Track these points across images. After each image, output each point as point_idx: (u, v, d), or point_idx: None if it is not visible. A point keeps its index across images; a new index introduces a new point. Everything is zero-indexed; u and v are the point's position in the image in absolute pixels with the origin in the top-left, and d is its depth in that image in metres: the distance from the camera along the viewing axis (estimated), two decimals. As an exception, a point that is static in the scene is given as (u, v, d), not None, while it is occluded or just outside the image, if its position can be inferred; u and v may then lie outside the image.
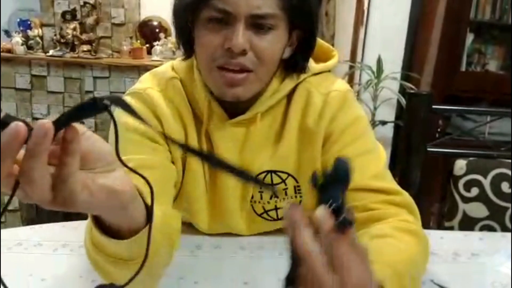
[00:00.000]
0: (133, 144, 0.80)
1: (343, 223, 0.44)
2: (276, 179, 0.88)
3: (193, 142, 0.86)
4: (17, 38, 2.55)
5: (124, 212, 0.50)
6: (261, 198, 0.90)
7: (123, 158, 0.46)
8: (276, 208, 0.92)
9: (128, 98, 0.86)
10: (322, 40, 0.94)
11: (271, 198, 0.90)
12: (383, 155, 0.88)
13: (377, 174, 0.83)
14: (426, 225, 0.82)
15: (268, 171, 0.88)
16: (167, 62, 0.93)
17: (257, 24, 0.75)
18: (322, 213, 0.44)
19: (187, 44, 0.84)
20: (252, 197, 0.90)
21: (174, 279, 0.80)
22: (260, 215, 0.92)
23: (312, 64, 0.89)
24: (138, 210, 0.53)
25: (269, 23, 0.75)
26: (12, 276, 0.79)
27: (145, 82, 0.88)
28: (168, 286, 0.74)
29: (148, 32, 2.78)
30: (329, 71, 0.92)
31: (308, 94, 0.86)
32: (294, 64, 0.85)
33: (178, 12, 0.81)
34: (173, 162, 0.85)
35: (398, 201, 0.80)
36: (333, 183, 0.45)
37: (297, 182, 0.89)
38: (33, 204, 1.58)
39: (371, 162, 0.84)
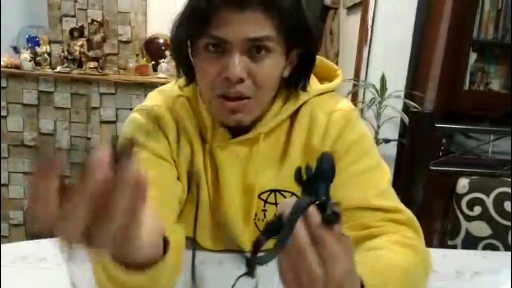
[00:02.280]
0: (144, 163, 0.81)
1: (329, 218, 0.45)
2: (280, 198, 0.89)
3: (199, 159, 0.87)
4: (26, 54, 2.59)
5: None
6: (265, 216, 0.91)
7: None
8: None
9: (135, 114, 0.87)
10: (326, 59, 0.95)
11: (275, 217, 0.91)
12: (387, 172, 0.88)
13: (380, 192, 0.83)
14: (429, 243, 0.82)
15: (272, 190, 0.89)
16: (173, 81, 0.94)
17: (254, 48, 0.75)
18: (311, 208, 0.46)
19: (187, 71, 0.85)
20: (256, 215, 0.91)
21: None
22: None
23: (317, 85, 0.90)
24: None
25: (265, 46, 0.76)
26: (17, 290, 0.80)
27: (152, 100, 0.89)
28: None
29: (154, 50, 2.82)
30: (333, 90, 0.93)
31: (312, 114, 0.87)
32: (295, 82, 0.86)
33: (176, 43, 0.82)
34: (178, 179, 0.86)
35: (399, 219, 0.80)
36: (318, 178, 0.47)
37: None
38: (37, 219, 1.59)
39: (374, 180, 0.84)
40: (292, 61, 0.83)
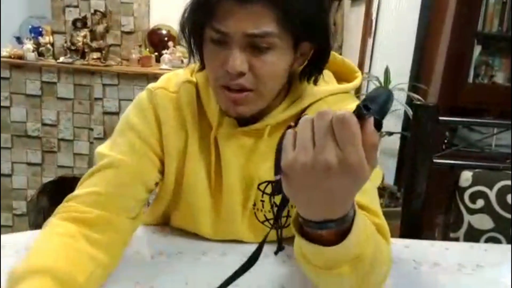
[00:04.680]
0: (127, 144, 0.85)
1: (360, 111, 0.50)
2: None
3: (194, 147, 0.88)
4: (29, 45, 2.59)
5: None
6: (263, 206, 0.91)
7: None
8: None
9: (142, 94, 0.90)
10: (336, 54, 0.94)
11: (272, 208, 0.91)
12: (377, 177, 0.87)
13: (365, 191, 0.80)
14: (431, 236, 0.82)
15: (269, 181, 0.89)
16: (188, 66, 0.93)
17: (254, 44, 0.75)
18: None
19: (199, 57, 0.85)
20: (255, 204, 0.91)
21: (180, 284, 0.81)
22: (262, 223, 0.93)
23: (334, 84, 0.90)
24: None
25: (266, 42, 0.75)
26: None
27: (162, 82, 0.91)
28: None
29: (157, 41, 2.81)
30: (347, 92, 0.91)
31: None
32: (306, 76, 0.85)
33: (185, 32, 0.83)
34: (163, 174, 0.89)
35: (373, 221, 0.74)
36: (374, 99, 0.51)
37: None
38: (41, 209, 1.60)
39: None
40: (304, 54, 0.82)
